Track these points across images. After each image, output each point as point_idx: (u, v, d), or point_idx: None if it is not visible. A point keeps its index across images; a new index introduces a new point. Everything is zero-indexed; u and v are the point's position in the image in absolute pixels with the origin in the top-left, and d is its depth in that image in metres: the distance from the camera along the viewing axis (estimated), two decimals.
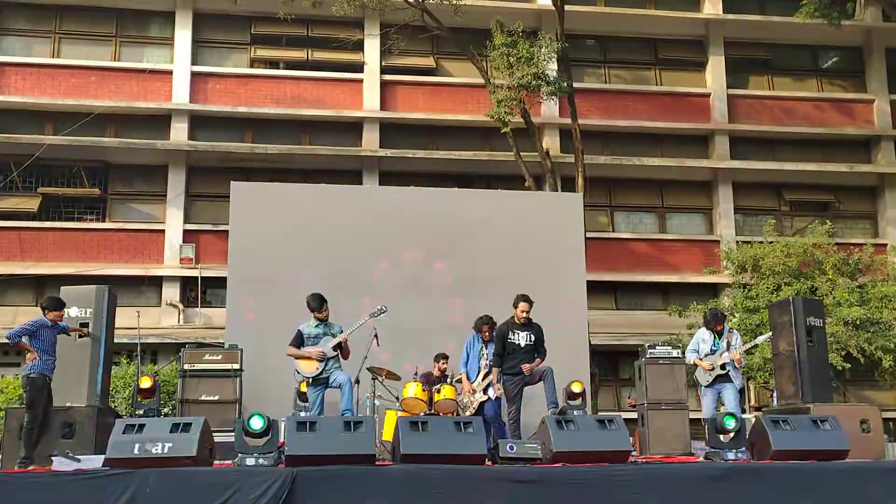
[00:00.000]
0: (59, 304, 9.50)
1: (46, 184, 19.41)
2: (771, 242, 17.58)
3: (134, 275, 18.86)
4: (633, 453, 9.15)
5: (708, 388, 10.68)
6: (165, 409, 13.53)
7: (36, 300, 17.80)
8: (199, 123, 20.10)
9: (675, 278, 20.37)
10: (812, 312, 11.37)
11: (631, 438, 9.48)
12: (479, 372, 10.82)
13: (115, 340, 10.99)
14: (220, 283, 16.28)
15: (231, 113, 20.07)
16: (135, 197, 20.00)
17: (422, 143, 20.62)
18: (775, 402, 12.23)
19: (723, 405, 10.64)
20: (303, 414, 10.13)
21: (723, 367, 10.53)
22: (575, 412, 9.93)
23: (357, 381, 10.44)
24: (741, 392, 11.75)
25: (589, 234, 15.83)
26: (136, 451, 7.32)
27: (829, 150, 21.97)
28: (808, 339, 11.10)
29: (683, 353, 11.31)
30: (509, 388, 10.13)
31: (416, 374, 11.40)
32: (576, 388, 10.72)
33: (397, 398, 11.07)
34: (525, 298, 10.29)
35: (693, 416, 11.53)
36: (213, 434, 8.22)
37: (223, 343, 12.47)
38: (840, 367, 15.72)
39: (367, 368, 10.90)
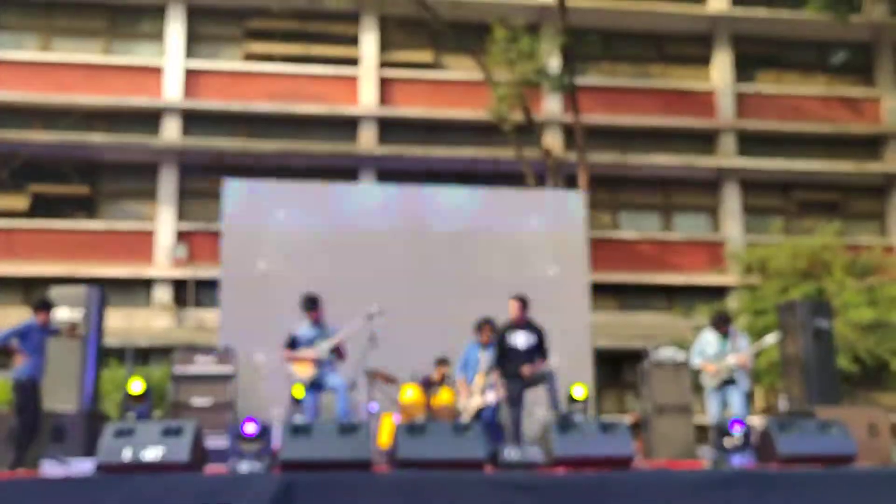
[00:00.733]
0: (49, 306, 9.44)
1: (36, 182, 19.22)
2: (778, 243, 17.48)
3: (125, 275, 18.71)
4: (637, 458, 8.97)
5: (713, 392, 10.60)
6: (157, 413, 13.39)
7: (25, 301, 17.64)
8: (192, 120, 19.94)
9: (680, 279, 20.28)
10: (820, 314, 11.40)
11: (635, 443, 9.33)
12: (476, 376, 10.69)
13: (106, 342, 10.89)
14: (213, 283, 16.08)
15: (224, 109, 19.91)
16: (126, 196, 19.84)
17: (420, 141, 20.47)
18: (782, 406, 12.08)
19: (728, 409, 10.49)
20: (297, 418, 9.96)
21: (728, 370, 10.38)
22: (577, 417, 9.74)
23: (353, 385, 10.30)
24: (749, 395, 11.61)
25: (592, 234, 15.69)
26: (126, 455, 7.21)
27: (837, 148, 21.87)
28: (815, 341, 11.01)
29: (689, 355, 11.17)
30: (510, 391, 9.97)
31: (413, 377, 11.24)
32: (578, 392, 10.51)
33: (394, 402, 10.91)
34: (515, 298, 10.21)
35: (698, 420, 11.40)
36: (206, 438, 8.12)
37: (216, 345, 12.34)
38: (848, 370, 15.57)
39: (364, 371, 10.73)
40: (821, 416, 9.75)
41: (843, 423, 8.52)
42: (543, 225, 13.71)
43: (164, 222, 19.29)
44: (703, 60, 22.00)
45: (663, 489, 7.49)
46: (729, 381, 10.45)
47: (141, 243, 19.20)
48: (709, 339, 10.79)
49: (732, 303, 18.27)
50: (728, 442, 8.72)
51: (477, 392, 10.68)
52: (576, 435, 7.98)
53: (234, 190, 13.35)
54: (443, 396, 10.64)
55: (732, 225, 20.91)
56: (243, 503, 6.82)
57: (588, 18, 20.67)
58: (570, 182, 18.70)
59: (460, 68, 20.65)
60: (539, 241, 13.55)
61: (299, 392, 10.04)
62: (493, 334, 10.46)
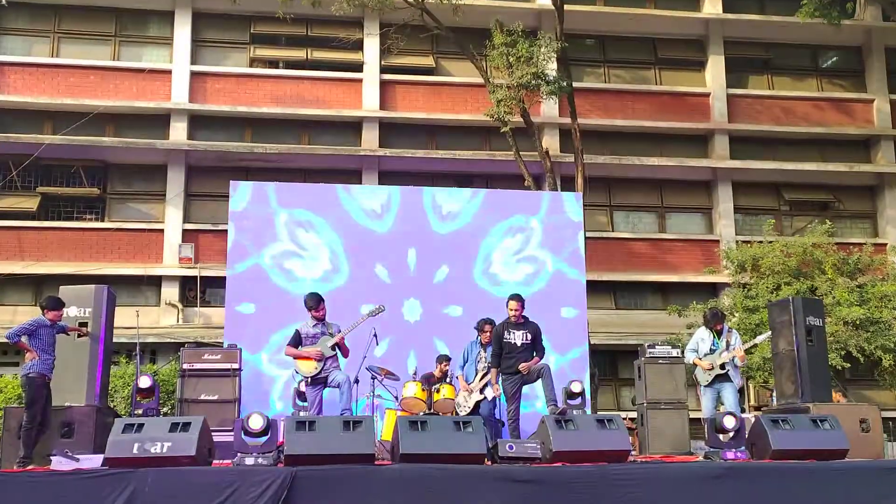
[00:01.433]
0: (59, 304, 9.50)
1: (45, 183, 19.40)
2: (770, 242, 17.58)
3: (133, 274, 18.84)
4: (633, 453, 9.13)
5: (707, 388, 10.72)
6: (164, 409, 13.54)
7: (35, 300, 17.83)
8: (199, 123, 20.10)
9: (674, 278, 20.36)
10: (812, 312, 11.32)
11: (630, 438, 9.48)
12: (476, 374, 10.85)
13: (114, 340, 11.01)
14: (219, 282, 16.27)
15: (230, 112, 20.06)
16: (134, 196, 19.99)
17: (421, 143, 20.63)
18: (775, 402, 12.21)
19: (722, 405, 10.65)
20: (302, 413, 10.12)
21: (722, 366, 10.57)
22: (574, 412, 9.92)
23: (356, 381, 10.45)
24: (741, 391, 11.75)
25: (588, 234, 15.80)
26: (135, 450, 7.31)
27: (829, 149, 21.97)
28: (807, 338, 11.06)
29: (683, 352, 11.32)
30: (507, 387, 10.13)
31: (415, 373, 11.41)
32: (575, 388, 10.69)
33: (396, 398, 11.07)
34: (514, 297, 10.33)
35: (692, 415, 11.53)
36: (213, 433, 8.21)
37: (222, 342, 12.47)
38: (840, 367, 15.72)
39: (367, 368, 10.89)
40: (813, 412, 9.89)
41: (836, 419, 8.69)
42: (541, 225, 13.84)
43: (172, 222, 19.38)
44: (697, 64, 22.04)
45: (658, 483, 7.62)
46: (722, 378, 10.61)
47: (149, 243, 19.33)
48: (703, 337, 10.94)
49: (725, 301, 18.35)
50: (722, 437, 8.89)
51: (476, 389, 10.84)
52: (573, 429, 8.10)
53: (240, 190, 13.48)
54: (444, 392, 10.78)
55: (725, 224, 20.97)
56: (249, 496, 6.94)
57: (584, 23, 20.77)
58: (567, 183, 18.80)
59: (460, 72, 20.81)
60: (537, 241, 13.67)
61: (303, 388, 10.22)
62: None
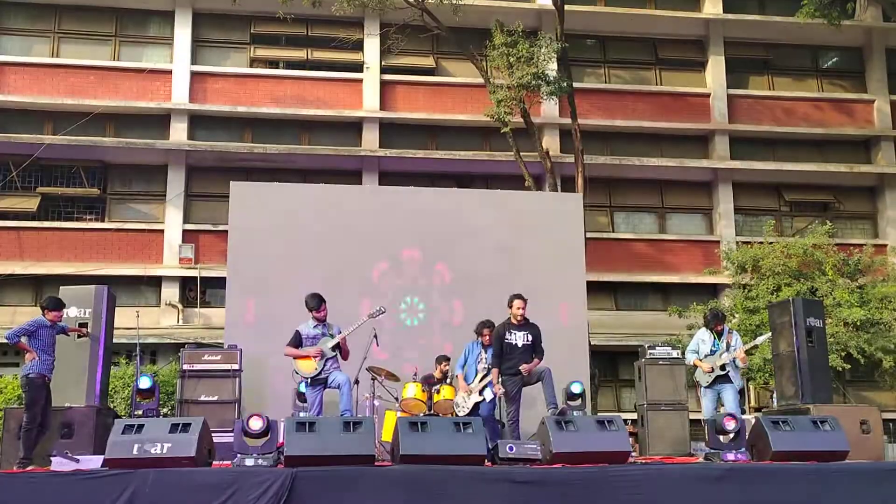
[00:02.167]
0: (59, 304, 9.50)
1: (45, 183, 19.41)
2: (771, 243, 17.58)
3: (133, 275, 18.85)
4: (633, 454, 9.13)
5: (707, 389, 10.70)
6: (164, 410, 13.54)
7: (35, 300, 17.85)
8: (199, 123, 20.11)
9: (674, 279, 20.38)
10: (812, 313, 11.36)
11: (630, 439, 9.47)
12: (476, 374, 10.84)
13: (115, 340, 11.03)
14: (220, 283, 16.27)
15: (231, 112, 20.08)
16: (134, 197, 20.00)
17: (421, 143, 20.64)
18: (775, 403, 12.22)
19: (722, 406, 10.64)
20: (302, 414, 10.12)
21: (722, 367, 10.55)
22: (574, 413, 9.91)
23: (356, 382, 10.45)
24: (741, 393, 11.74)
25: (589, 235, 15.82)
26: (135, 451, 7.33)
27: (829, 150, 22.00)
28: (808, 339, 11.09)
29: (683, 353, 11.31)
30: (508, 388, 10.12)
31: (415, 374, 11.40)
32: (575, 389, 10.70)
33: (397, 399, 11.06)
34: (519, 296, 10.29)
35: (693, 416, 11.53)
36: (213, 434, 8.22)
37: (222, 343, 12.47)
38: (840, 368, 15.72)
39: (367, 369, 10.89)
40: (814, 414, 9.89)
41: (836, 421, 8.68)
42: (541, 226, 13.82)
43: (172, 223, 19.40)
44: (698, 64, 22.05)
45: (658, 484, 7.63)
46: (723, 379, 10.60)
47: (149, 243, 19.35)
48: (703, 338, 10.92)
49: (726, 301, 18.36)
50: (722, 438, 8.89)
51: (475, 390, 10.83)
52: (573, 431, 8.11)
53: (240, 191, 13.47)
54: (444, 393, 10.78)
55: (726, 225, 20.98)
56: (249, 497, 6.95)
57: (585, 23, 20.78)
58: (567, 183, 18.80)
59: (460, 73, 20.82)
60: (537, 242, 13.65)
61: (303, 388, 10.21)
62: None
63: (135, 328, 12.19)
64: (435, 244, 13.38)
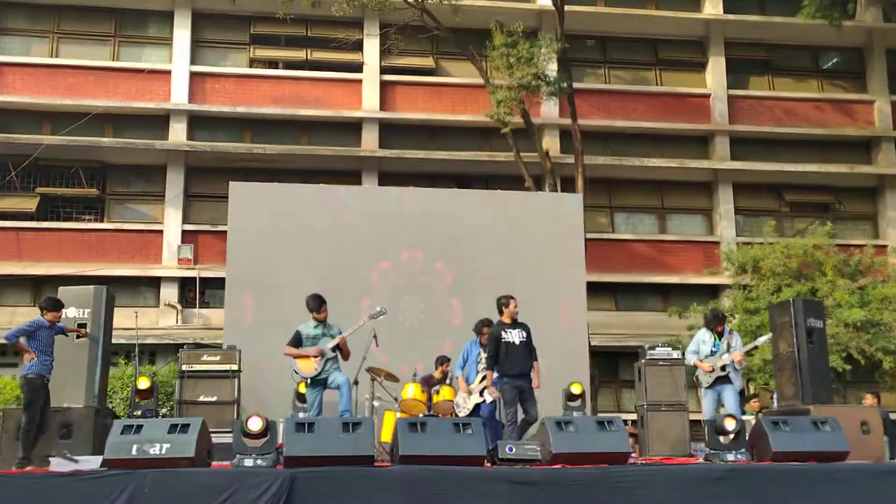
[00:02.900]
0: (57, 305, 9.48)
1: (45, 184, 19.42)
2: (771, 244, 17.58)
3: (132, 275, 18.85)
4: (633, 455, 9.11)
5: (708, 390, 10.70)
6: (163, 410, 13.53)
7: (34, 300, 17.84)
8: (198, 123, 20.11)
9: (675, 279, 20.38)
10: (812, 314, 11.30)
11: (630, 440, 9.46)
12: (477, 375, 10.82)
13: (113, 341, 10.99)
14: (219, 283, 16.27)
15: (230, 113, 20.09)
16: (133, 197, 20.01)
17: (421, 144, 20.64)
18: (775, 404, 12.20)
19: (723, 406, 10.63)
20: (301, 415, 10.10)
21: (723, 368, 10.56)
22: (574, 413, 9.90)
23: (356, 382, 10.45)
24: (741, 393, 11.73)
25: (589, 235, 15.81)
26: (133, 451, 7.30)
27: (830, 150, 22.00)
28: (808, 340, 11.03)
29: (683, 354, 11.30)
30: (506, 389, 10.08)
31: (415, 375, 11.40)
32: (575, 390, 10.68)
33: (396, 399, 11.05)
34: (512, 297, 10.23)
35: (693, 417, 11.51)
36: (212, 435, 8.19)
37: (221, 344, 12.46)
38: (840, 369, 15.70)
39: (366, 369, 10.89)
40: (814, 415, 9.87)
41: (836, 421, 8.66)
42: (541, 226, 13.82)
43: (171, 223, 19.41)
44: (698, 65, 22.07)
45: (659, 485, 7.61)
46: (723, 379, 10.58)
47: (148, 244, 19.36)
48: (703, 338, 10.91)
49: (726, 302, 18.36)
50: (722, 439, 8.88)
51: (476, 390, 10.82)
52: (573, 431, 8.06)
53: (239, 191, 13.49)
54: (443, 394, 10.78)
55: (726, 226, 20.99)
56: (248, 498, 6.92)
57: (585, 23, 20.77)
58: (567, 184, 18.80)
59: (460, 73, 20.81)
60: (537, 242, 13.65)
61: (303, 389, 10.20)
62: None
63: (134, 329, 12.18)
64: (435, 244, 13.40)
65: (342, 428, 7.63)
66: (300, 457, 7.41)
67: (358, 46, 20.49)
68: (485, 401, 10.67)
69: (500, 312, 10.19)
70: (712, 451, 8.76)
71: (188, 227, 19.45)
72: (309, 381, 9.67)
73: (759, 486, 7.70)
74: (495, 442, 8.81)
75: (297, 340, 9.71)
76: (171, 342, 17.39)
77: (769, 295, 16.41)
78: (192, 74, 20.11)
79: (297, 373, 9.82)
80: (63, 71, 19.84)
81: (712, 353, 10.70)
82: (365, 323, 10.20)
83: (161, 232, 19.42)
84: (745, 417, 10.45)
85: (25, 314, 15.31)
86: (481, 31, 18.26)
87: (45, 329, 9.25)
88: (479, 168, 20.25)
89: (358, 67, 20.63)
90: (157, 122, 19.89)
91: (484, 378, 10.66)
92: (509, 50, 17.09)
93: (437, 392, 10.79)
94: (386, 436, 10.26)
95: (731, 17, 21.93)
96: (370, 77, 20.56)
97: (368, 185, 19.52)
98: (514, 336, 10.07)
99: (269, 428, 7.82)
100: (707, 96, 21.69)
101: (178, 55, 20.19)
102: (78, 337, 10.13)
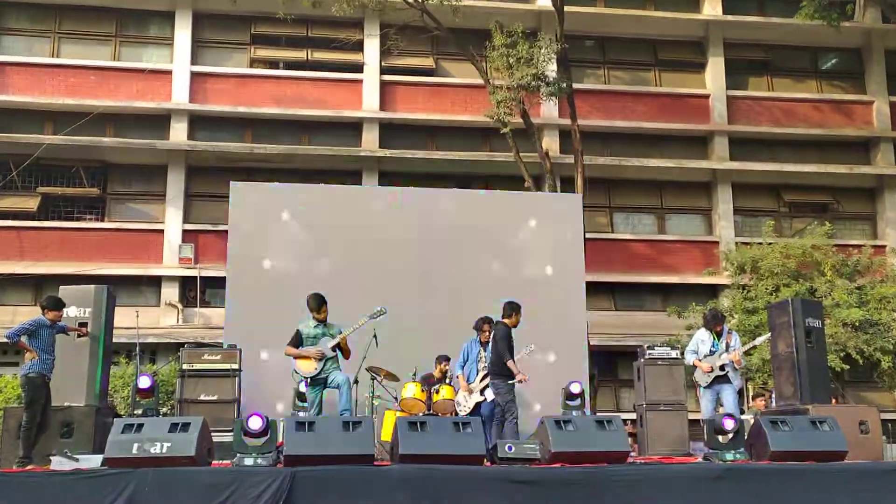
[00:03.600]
0: (59, 304, 9.48)
1: (46, 183, 19.44)
2: (770, 244, 17.60)
3: (133, 274, 18.86)
4: (632, 454, 9.13)
5: (707, 389, 10.70)
6: (164, 409, 13.53)
7: (35, 300, 17.84)
8: (199, 123, 20.14)
9: (674, 279, 20.40)
10: (811, 314, 11.31)
11: (629, 439, 9.48)
12: (477, 374, 10.84)
13: (114, 340, 10.96)
14: (219, 282, 16.28)
15: (230, 113, 20.11)
16: (134, 197, 20.04)
17: (421, 144, 20.66)
18: (774, 403, 12.22)
19: (721, 406, 10.65)
20: (301, 414, 10.11)
21: (722, 367, 10.56)
22: (574, 413, 9.92)
23: (356, 381, 10.46)
24: (740, 393, 11.75)
25: (588, 235, 15.83)
26: (134, 450, 7.31)
27: (829, 151, 22.02)
28: (806, 340, 11.04)
29: (682, 353, 11.32)
30: (504, 390, 10.12)
31: (414, 374, 11.40)
32: (575, 389, 10.70)
33: (396, 398, 11.07)
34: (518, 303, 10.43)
35: (692, 416, 11.53)
36: (212, 434, 8.21)
37: (222, 343, 12.46)
38: (839, 369, 15.73)
39: (366, 369, 10.90)
40: (812, 414, 9.89)
41: (835, 421, 8.68)
42: (541, 226, 13.82)
43: (172, 222, 19.44)
44: (697, 65, 22.08)
45: (658, 484, 7.63)
46: (722, 379, 10.60)
47: (149, 243, 19.39)
48: (702, 338, 10.93)
49: (725, 302, 18.37)
50: (721, 438, 8.90)
51: (476, 389, 10.84)
52: (572, 430, 8.09)
53: (240, 191, 13.47)
54: (443, 393, 10.80)
55: (725, 226, 21.01)
56: (248, 497, 6.93)
57: (584, 24, 20.82)
58: (567, 184, 18.84)
59: (460, 73, 20.84)
60: (536, 242, 13.64)
61: (303, 388, 10.20)
62: (492, 332, 10.64)
63: (134, 328, 12.18)
64: (435, 244, 13.38)
65: (342, 427, 7.65)
66: (300, 456, 7.42)
67: (358, 47, 20.52)
68: (485, 399, 10.70)
69: (508, 315, 10.28)
70: (711, 451, 8.77)
71: (189, 226, 19.47)
72: (309, 380, 9.67)
73: (757, 485, 7.70)
74: (495, 441, 8.83)
75: (297, 340, 9.72)
76: (172, 341, 17.41)
77: (768, 295, 16.44)
78: (193, 74, 20.13)
79: (297, 372, 9.83)
80: (64, 71, 19.87)
81: (711, 353, 10.71)
82: (365, 323, 10.20)
83: (162, 231, 19.45)
84: (743, 417, 10.48)
85: (27, 313, 15.33)
86: (481, 31, 18.26)
87: (47, 328, 9.25)
88: (479, 168, 20.27)
89: (358, 68, 20.66)
90: (158, 121, 19.91)
91: (485, 377, 10.70)
92: (509, 50, 17.10)
93: (437, 391, 10.80)
94: (386, 435, 10.25)
95: (730, 17, 21.94)
96: (370, 77, 20.59)
97: (369, 185, 19.52)
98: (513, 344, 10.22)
99: (269, 427, 7.83)
100: (706, 97, 21.71)
101: (178, 55, 20.22)
102: (79, 336, 10.11)
